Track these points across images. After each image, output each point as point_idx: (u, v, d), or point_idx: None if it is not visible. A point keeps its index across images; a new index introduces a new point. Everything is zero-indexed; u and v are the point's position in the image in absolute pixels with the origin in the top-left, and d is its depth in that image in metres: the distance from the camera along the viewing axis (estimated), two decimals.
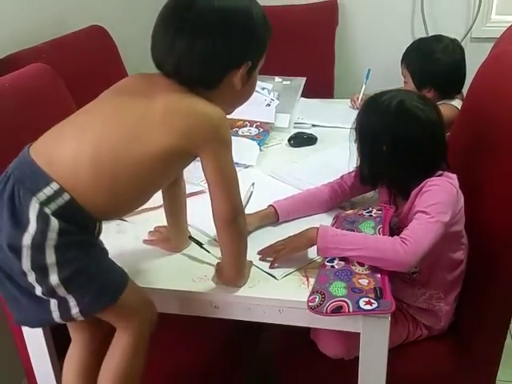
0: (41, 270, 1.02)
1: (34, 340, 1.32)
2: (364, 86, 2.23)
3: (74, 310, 1.06)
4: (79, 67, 1.95)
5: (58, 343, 1.34)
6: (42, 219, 1.01)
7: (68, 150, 1.06)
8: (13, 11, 1.85)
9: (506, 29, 1.96)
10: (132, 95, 1.11)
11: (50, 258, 1.01)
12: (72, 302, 1.05)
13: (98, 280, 1.07)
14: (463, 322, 1.44)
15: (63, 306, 1.06)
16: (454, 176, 1.28)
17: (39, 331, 1.29)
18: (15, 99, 1.45)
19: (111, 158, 1.05)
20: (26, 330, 1.30)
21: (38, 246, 1.00)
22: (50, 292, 1.03)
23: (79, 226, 1.05)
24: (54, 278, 1.02)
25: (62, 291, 1.04)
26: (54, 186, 1.02)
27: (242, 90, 1.13)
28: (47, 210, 1.01)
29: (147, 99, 1.08)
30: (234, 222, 1.13)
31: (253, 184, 1.40)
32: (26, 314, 1.10)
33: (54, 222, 1.01)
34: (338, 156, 1.70)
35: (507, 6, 2.70)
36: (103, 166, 1.05)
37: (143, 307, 1.16)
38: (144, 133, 1.06)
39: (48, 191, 1.02)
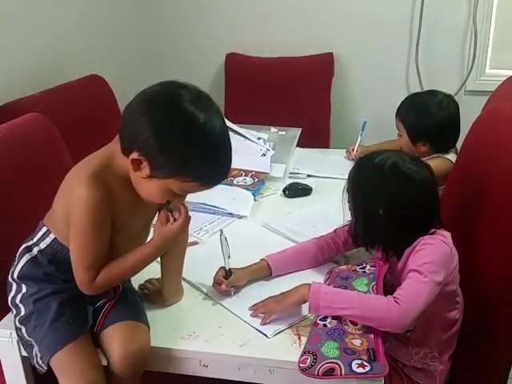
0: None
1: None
2: (360, 138, 2.24)
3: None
4: (76, 116, 1.96)
5: None
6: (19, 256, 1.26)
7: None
8: (11, 60, 1.88)
9: (500, 83, 2.00)
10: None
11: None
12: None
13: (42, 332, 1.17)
14: (459, 381, 1.41)
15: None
16: (448, 234, 1.27)
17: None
18: (8, 149, 1.45)
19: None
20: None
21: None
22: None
23: (60, 266, 1.23)
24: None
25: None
26: (44, 229, 1.24)
27: (137, 178, 1.13)
28: (34, 249, 1.24)
29: None
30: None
31: (221, 231, 1.37)
32: None
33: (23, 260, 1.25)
34: (332, 207, 1.70)
35: (501, 60, 2.74)
36: None
37: (74, 374, 1.14)
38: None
39: (39, 234, 1.24)
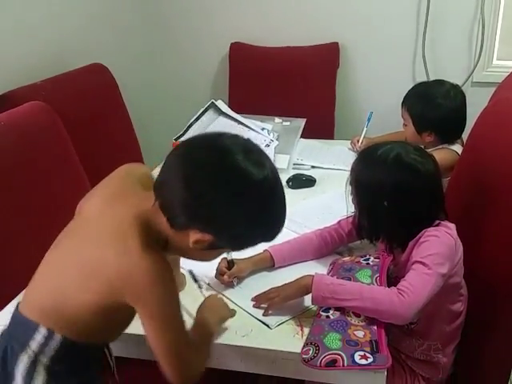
0: None
1: None
2: (365, 129, 2.22)
3: None
4: (79, 105, 1.95)
5: None
6: (28, 375, 0.99)
7: (43, 289, 1.04)
8: (13, 48, 1.87)
9: (507, 75, 1.97)
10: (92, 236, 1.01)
11: None
12: None
13: None
14: (462, 373, 1.41)
15: None
16: (453, 226, 1.26)
17: None
18: (10, 137, 1.45)
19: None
20: None
21: None
22: None
23: (80, 363, 1.03)
24: None
25: None
26: (43, 330, 0.99)
27: (192, 250, 0.97)
28: (43, 359, 1.00)
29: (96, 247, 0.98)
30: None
31: None
32: None
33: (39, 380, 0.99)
34: (336, 198, 1.69)
35: (508, 52, 2.71)
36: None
37: None
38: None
39: (39, 338, 0.99)
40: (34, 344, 0.99)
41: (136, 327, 1.03)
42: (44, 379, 1.00)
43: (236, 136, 0.97)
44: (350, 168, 1.36)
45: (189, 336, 1.03)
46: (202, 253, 0.99)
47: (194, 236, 0.94)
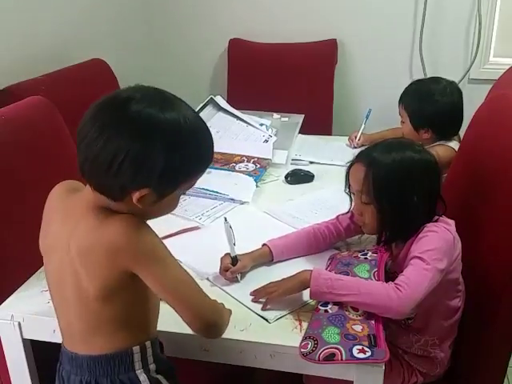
0: None
1: None
2: (363, 126, 2.23)
3: None
4: (79, 100, 1.93)
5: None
6: None
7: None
8: (14, 42, 1.87)
9: (503, 72, 1.98)
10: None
11: None
12: None
13: None
14: (459, 368, 1.42)
15: None
16: (452, 222, 1.27)
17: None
18: (11, 131, 1.45)
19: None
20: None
21: None
22: None
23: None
24: None
25: None
26: (135, 349, 1.05)
27: (150, 209, 0.99)
28: (152, 368, 1.07)
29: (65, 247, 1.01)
30: (209, 329, 1.08)
31: (225, 219, 1.37)
32: None
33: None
34: (334, 194, 1.70)
35: (505, 49, 2.73)
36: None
37: None
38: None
39: (136, 357, 1.05)
40: (138, 364, 1.05)
41: None
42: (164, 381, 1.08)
43: (131, 87, 0.98)
44: (347, 163, 1.37)
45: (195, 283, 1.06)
46: (159, 206, 1.00)
47: (134, 197, 0.95)
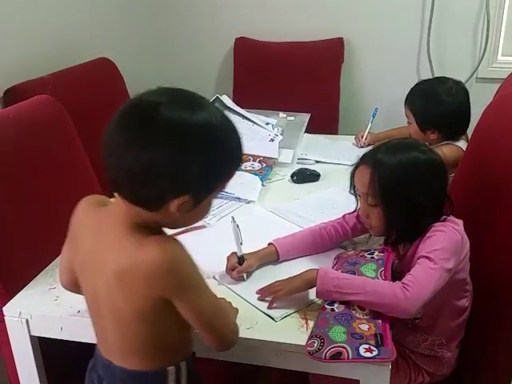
0: None
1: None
2: (370, 125, 2.22)
3: None
4: (85, 99, 1.96)
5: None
6: None
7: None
8: (20, 42, 1.87)
9: None
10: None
11: None
12: None
13: None
14: (466, 368, 1.41)
15: None
16: (460, 222, 1.26)
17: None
18: (18, 130, 1.45)
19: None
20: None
21: None
22: None
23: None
24: None
25: None
26: (170, 369, 1.04)
27: (186, 218, 0.97)
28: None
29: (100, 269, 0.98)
30: (228, 348, 1.06)
31: (233, 219, 1.37)
32: None
33: None
34: (340, 193, 1.70)
35: None
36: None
37: None
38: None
39: (171, 378, 1.04)
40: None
41: None
42: None
43: (158, 88, 0.94)
44: (353, 163, 1.36)
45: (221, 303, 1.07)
46: (195, 213, 0.97)
47: (173, 206, 0.92)
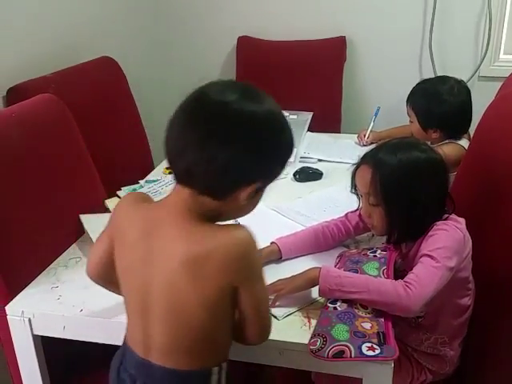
0: None
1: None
2: (372, 123, 2.22)
3: None
4: (88, 98, 1.96)
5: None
6: None
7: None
8: (23, 41, 1.87)
9: None
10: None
11: None
12: None
13: None
14: (468, 367, 1.41)
15: None
16: (463, 220, 1.26)
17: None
18: (21, 129, 1.46)
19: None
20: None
21: None
22: None
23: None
24: None
25: None
26: (214, 370, 1.03)
27: (243, 205, 1.00)
28: None
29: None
30: (266, 338, 1.08)
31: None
32: None
33: None
34: (343, 192, 1.69)
35: None
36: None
37: None
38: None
39: (215, 378, 1.04)
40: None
41: None
42: None
43: (217, 83, 0.98)
44: (356, 161, 1.36)
45: None
46: (251, 203, 1.01)
47: (244, 193, 0.96)
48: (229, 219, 1.04)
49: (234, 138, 0.92)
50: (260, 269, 1.01)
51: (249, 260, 0.97)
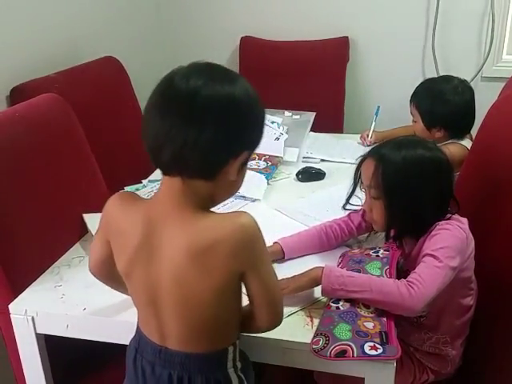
0: None
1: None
2: (374, 123, 2.23)
3: None
4: (92, 98, 1.97)
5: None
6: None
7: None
8: (27, 40, 1.88)
9: None
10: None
11: None
12: None
13: None
14: (470, 366, 1.41)
15: None
16: (465, 220, 1.26)
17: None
18: (25, 129, 1.46)
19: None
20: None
21: None
22: None
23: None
24: None
25: None
26: (230, 349, 1.05)
27: (233, 182, 1.01)
28: (238, 366, 1.07)
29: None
30: (278, 323, 1.08)
31: None
32: None
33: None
34: (345, 192, 1.68)
35: None
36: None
37: None
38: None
39: (230, 357, 1.06)
40: (229, 363, 1.06)
41: None
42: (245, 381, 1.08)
43: (181, 69, 0.99)
44: (357, 159, 1.37)
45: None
46: (240, 178, 1.02)
47: (232, 168, 0.97)
48: (222, 200, 1.06)
49: (213, 117, 0.93)
50: (266, 252, 1.02)
51: (255, 244, 0.98)
